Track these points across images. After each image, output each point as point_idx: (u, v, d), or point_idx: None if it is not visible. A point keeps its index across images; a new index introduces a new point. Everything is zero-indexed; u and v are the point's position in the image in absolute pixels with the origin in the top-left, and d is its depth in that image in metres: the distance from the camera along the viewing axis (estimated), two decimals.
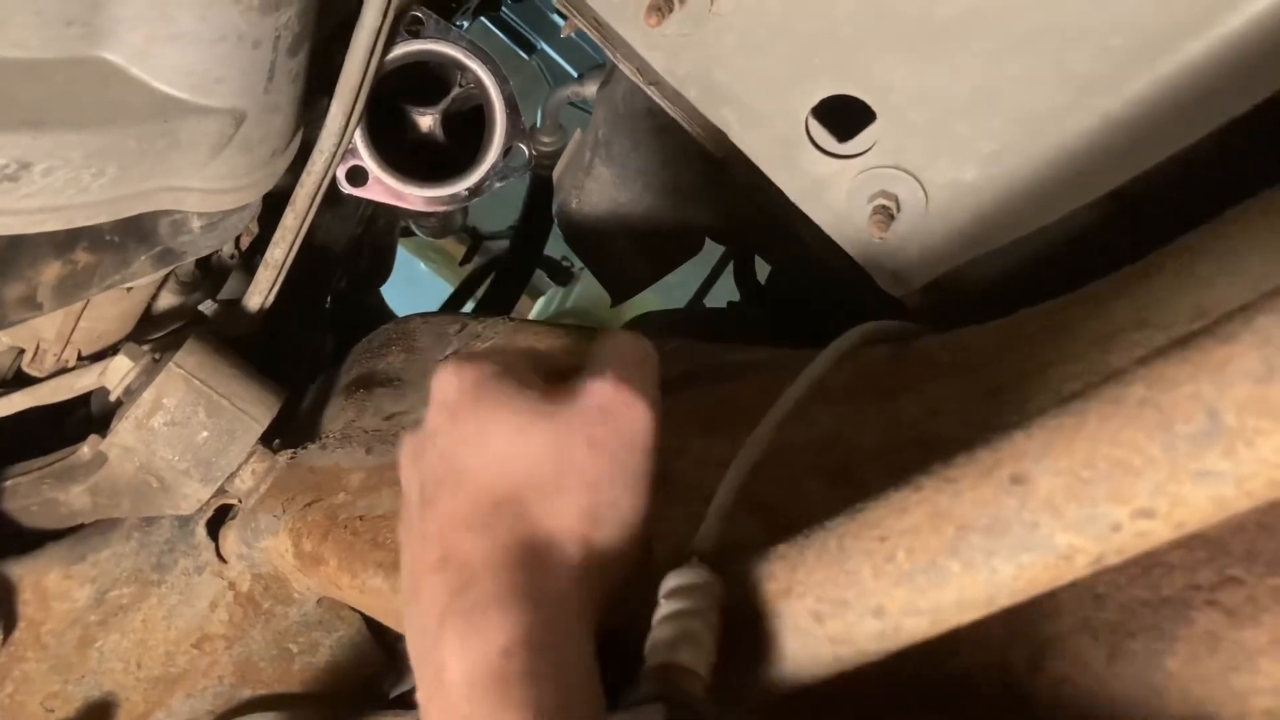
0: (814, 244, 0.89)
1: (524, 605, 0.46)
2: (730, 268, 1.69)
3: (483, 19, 2.13)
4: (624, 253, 1.33)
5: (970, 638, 0.46)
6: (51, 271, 0.82)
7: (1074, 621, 0.50)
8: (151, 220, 0.84)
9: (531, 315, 2.58)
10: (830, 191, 0.78)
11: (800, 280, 1.33)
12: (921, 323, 0.78)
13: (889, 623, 0.44)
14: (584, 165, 1.28)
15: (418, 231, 1.65)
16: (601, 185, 1.27)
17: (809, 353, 0.74)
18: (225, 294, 1.14)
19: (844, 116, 0.76)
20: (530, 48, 2.70)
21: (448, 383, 0.54)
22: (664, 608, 0.50)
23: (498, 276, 1.78)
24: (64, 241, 0.81)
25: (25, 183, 0.74)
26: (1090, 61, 0.67)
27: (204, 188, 0.84)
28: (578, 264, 2.21)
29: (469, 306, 1.90)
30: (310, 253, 1.06)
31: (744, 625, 0.49)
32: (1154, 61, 0.65)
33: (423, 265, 3.21)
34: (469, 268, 2.08)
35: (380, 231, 1.39)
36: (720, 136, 0.81)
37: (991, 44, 0.69)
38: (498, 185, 1.05)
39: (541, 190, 1.63)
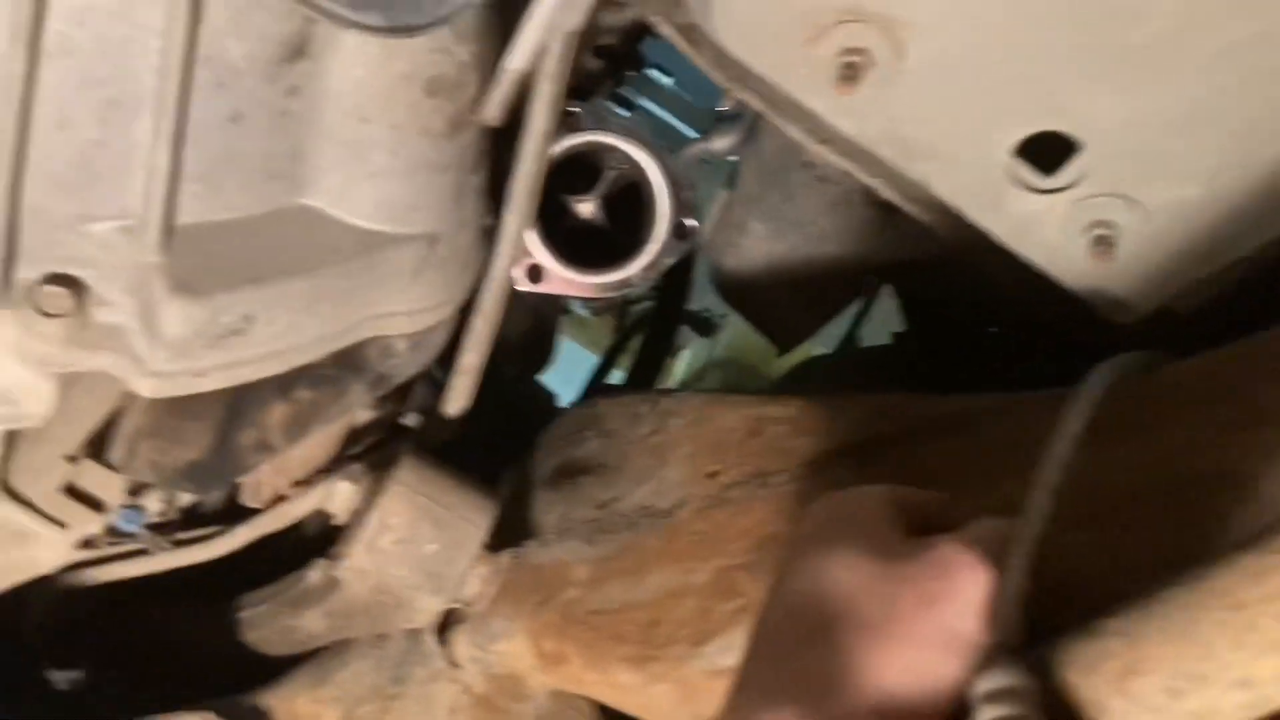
0: (1002, 277, 0.87)
1: None
2: (876, 299, 1.68)
3: None
4: (785, 303, 1.32)
5: None
6: (278, 413, 0.85)
7: None
8: (361, 349, 0.87)
9: (680, 367, 2.59)
10: (1042, 228, 0.76)
11: (968, 311, 1.30)
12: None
13: (1258, 693, 0.42)
14: (736, 223, 1.28)
15: (582, 312, 1.67)
16: (756, 240, 1.26)
17: (1046, 395, 0.72)
18: (414, 402, 1.16)
19: (1046, 148, 0.74)
20: (629, 105, 2.72)
21: (811, 515, 0.54)
22: (983, 714, 0.46)
23: (645, 338, 1.79)
24: (286, 383, 0.85)
25: (251, 334, 0.77)
26: None
27: (407, 310, 0.87)
28: (717, 313, 2.21)
29: (617, 372, 1.91)
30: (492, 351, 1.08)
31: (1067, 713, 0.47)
32: None
33: None
34: (606, 331, 2.10)
35: (547, 318, 1.41)
36: (913, 188, 0.80)
37: (1196, 60, 0.67)
38: (669, 262, 1.05)
39: None
